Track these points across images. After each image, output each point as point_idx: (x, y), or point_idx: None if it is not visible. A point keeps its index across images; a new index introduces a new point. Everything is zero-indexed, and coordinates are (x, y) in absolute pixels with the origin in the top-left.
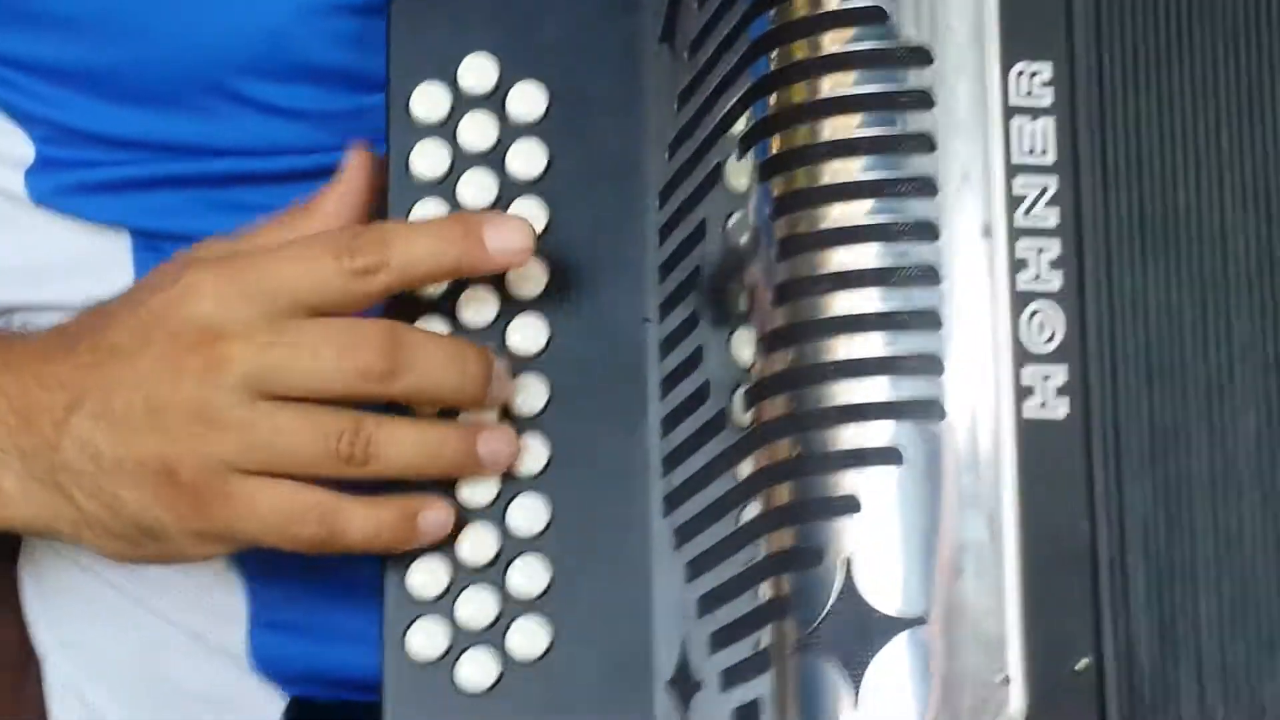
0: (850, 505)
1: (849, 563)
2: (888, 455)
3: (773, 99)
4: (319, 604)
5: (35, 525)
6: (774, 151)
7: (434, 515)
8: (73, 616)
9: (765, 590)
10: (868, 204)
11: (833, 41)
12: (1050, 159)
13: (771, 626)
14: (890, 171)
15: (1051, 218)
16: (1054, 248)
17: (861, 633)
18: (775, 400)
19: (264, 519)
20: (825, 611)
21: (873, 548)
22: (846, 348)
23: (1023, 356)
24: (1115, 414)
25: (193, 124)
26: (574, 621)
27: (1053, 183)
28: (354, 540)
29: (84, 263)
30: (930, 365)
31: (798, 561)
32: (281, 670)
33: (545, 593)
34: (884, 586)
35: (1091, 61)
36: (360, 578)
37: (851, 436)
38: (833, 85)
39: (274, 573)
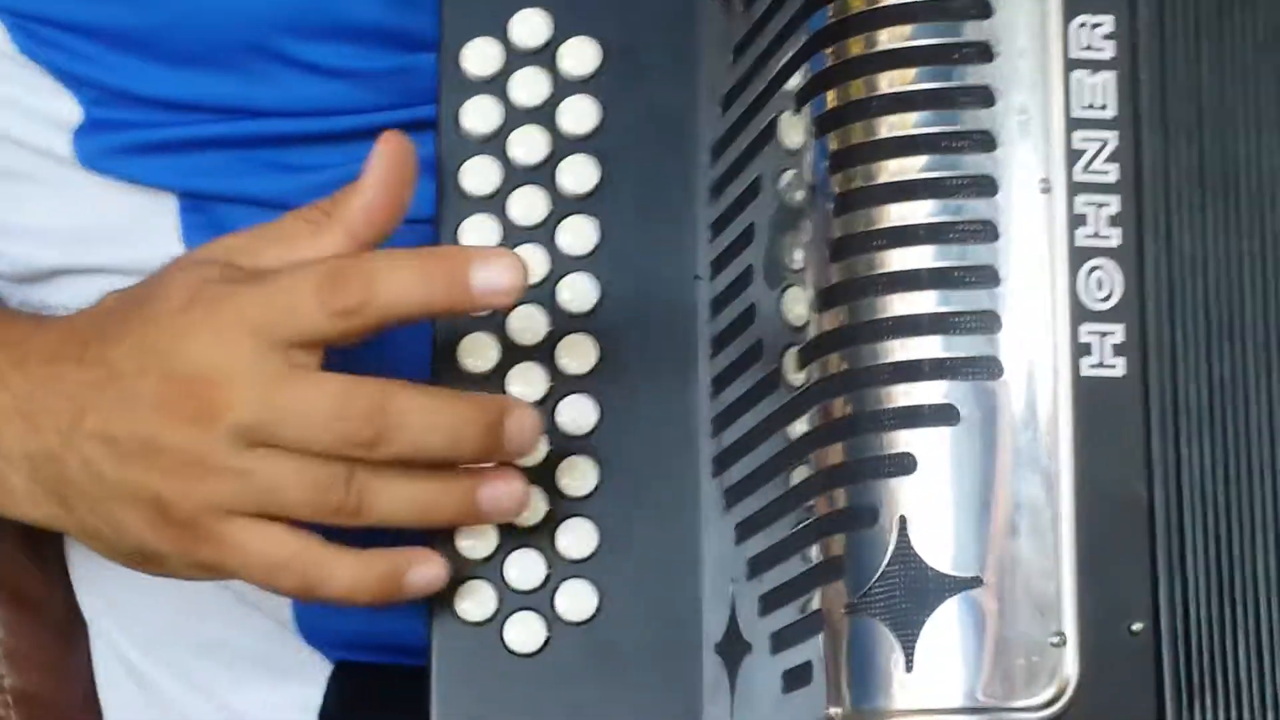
0: (906, 464)
1: (904, 522)
2: (944, 413)
3: (830, 52)
4: None
5: (41, 523)
6: (830, 106)
7: (423, 573)
8: (118, 580)
9: (816, 552)
10: (925, 159)
11: None
12: (1110, 113)
13: (823, 588)
14: (948, 125)
15: (1111, 173)
16: (1113, 204)
17: (916, 594)
18: (829, 359)
19: (249, 563)
20: (879, 572)
21: (928, 507)
22: (902, 304)
23: (1080, 314)
24: (1173, 372)
25: (237, 85)
26: (622, 584)
27: (1112, 138)
28: (333, 593)
29: (131, 225)
30: (987, 322)
31: (851, 522)
32: (327, 635)
33: (593, 555)
34: (939, 546)
35: (1153, 13)
36: (403, 541)
37: (906, 394)
38: (891, 38)
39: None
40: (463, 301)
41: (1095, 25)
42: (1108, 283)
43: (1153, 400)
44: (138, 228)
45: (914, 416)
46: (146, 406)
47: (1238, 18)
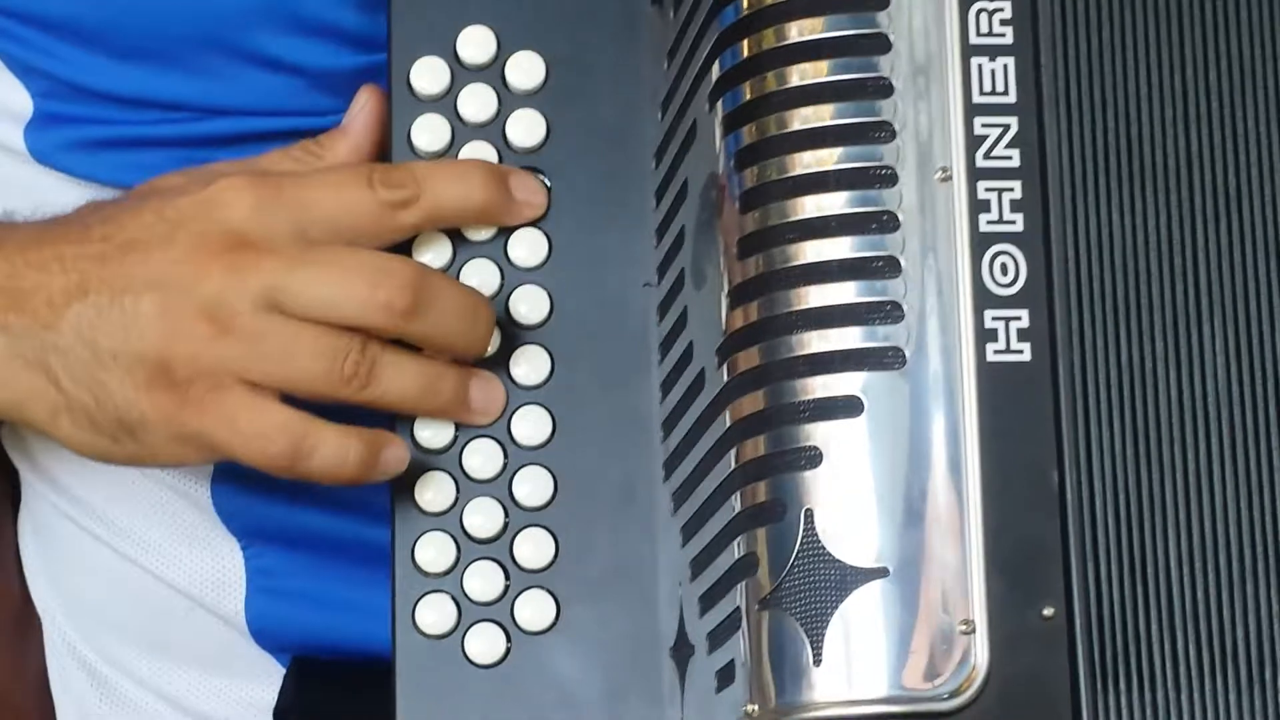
0: (813, 457)
1: (810, 515)
2: (849, 405)
3: (735, 49)
4: (314, 572)
5: (9, 405)
6: (742, 101)
7: (395, 451)
8: (72, 578)
9: (739, 547)
10: (824, 152)
11: None
12: (1011, 99)
13: (743, 584)
14: (847, 118)
15: (1014, 158)
16: (1016, 189)
17: (822, 587)
18: (740, 355)
19: (237, 431)
20: (788, 566)
21: (834, 499)
22: (807, 298)
23: (985, 299)
24: (1081, 356)
25: (193, 82)
26: (580, 593)
27: (1013, 122)
28: (320, 464)
29: None
30: (890, 312)
31: (764, 516)
32: (278, 638)
33: (551, 564)
34: (845, 538)
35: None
36: (355, 546)
37: (815, 387)
38: (791, 32)
39: (271, 541)
40: (504, 206)
41: (994, 11)
42: (1012, 268)
43: (1061, 385)
44: None
45: (819, 409)
46: (168, 267)
47: None
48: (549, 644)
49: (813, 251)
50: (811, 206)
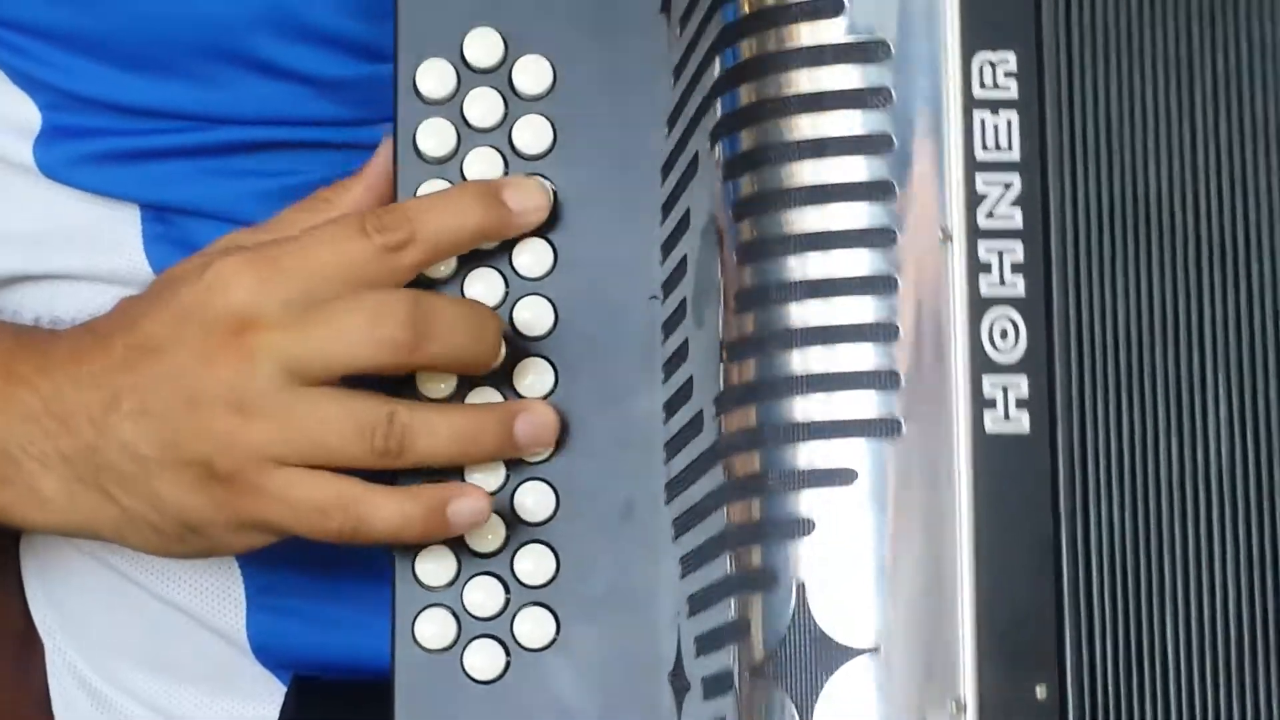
0: (805, 527)
1: (803, 587)
2: (842, 475)
3: (738, 92)
4: (314, 590)
5: (76, 527)
6: (738, 150)
7: (466, 504)
8: (73, 598)
9: (732, 608)
10: (824, 209)
11: (791, 36)
12: (1014, 155)
13: (736, 646)
14: (847, 176)
15: (1015, 218)
16: (1017, 250)
17: (814, 660)
18: (739, 412)
19: (296, 510)
20: (781, 637)
21: (826, 572)
22: (805, 361)
23: (984, 365)
24: (1081, 426)
25: (198, 91)
26: (581, 610)
27: (1016, 180)
28: (380, 531)
29: (93, 233)
30: (886, 380)
31: (757, 582)
32: (279, 656)
33: (552, 580)
34: (836, 612)
35: (1059, 50)
36: (355, 564)
37: (808, 455)
38: (794, 82)
39: (271, 559)
40: (505, 220)
41: (998, 63)
42: (1012, 333)
43: (1060, 455)
44: (100, 236)
45: (814, 478)
46: (184, 365)
47: (1146, 50)
48: (548, 661)
49: (810, 313)
50: (808, 265)
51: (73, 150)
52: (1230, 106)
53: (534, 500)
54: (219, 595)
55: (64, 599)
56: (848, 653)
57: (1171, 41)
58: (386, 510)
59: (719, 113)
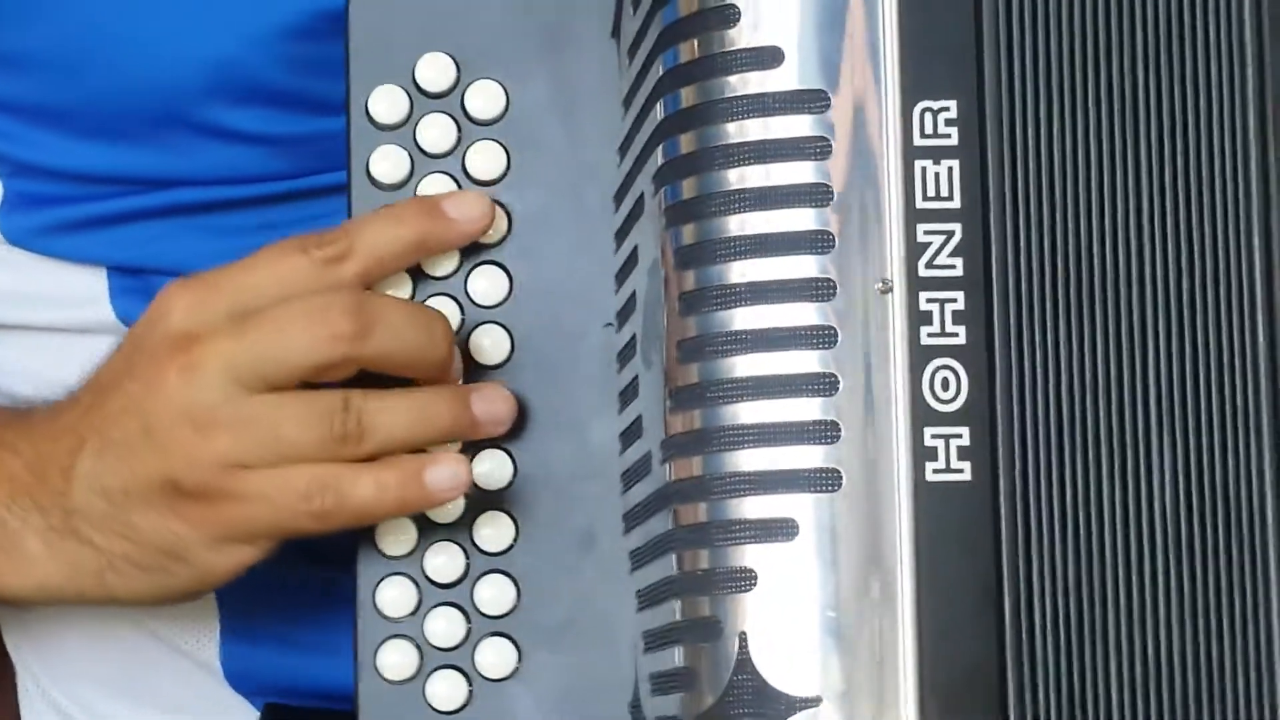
0: (748, 578)
1: (744, 638)
2: (784, 527)
3: (681, 142)
4: (288, 618)
5: (60, 584)
6: (678, 199)
7: (444, 469)
8: (46, 624)
9: (679, 655)
10: (764, 261)
11: (731, 85)
12: (955, 204)
13: (682, 694)
14: (787, 226)
15: (957, 266)
16: (959, 299)
17: (758, 710)
18: (683, 461)
19: (274, 505)
20: (724, 687)
21: (768, 624)
22: (745, 413)
23: (925, 416)
24: (1024, 475)
25: (157, 156)
26: (541, 638)
27: (958, 229)
28: (358, 502)
29: (62, 293)
30: (827, 431)
31: (702, 633)
32: (251, 682)
33: (513, 610)
34: (779, 664)
35: (1002, 97)
36: (325, 591)
37: (751, 507)
38: (733, 132)
39: (245, 587)
40: (444, 230)
41: (939, 110)
42: (953, 383)
43: (1002, 506)
44: (69, 295)
45: (754, 530)
46: (138, 394)
47: (1088, 87)
48: (510, 690)
49: (751, 364)
50: (749, 318)
51: (36, 219)
52: (1175, 151)
53: (493, 530)
54: (193, 622)
55: (37, 625)
56: (792, 703)
57: (1116, 86)
58: (363, 481)
59: (659, 160)
